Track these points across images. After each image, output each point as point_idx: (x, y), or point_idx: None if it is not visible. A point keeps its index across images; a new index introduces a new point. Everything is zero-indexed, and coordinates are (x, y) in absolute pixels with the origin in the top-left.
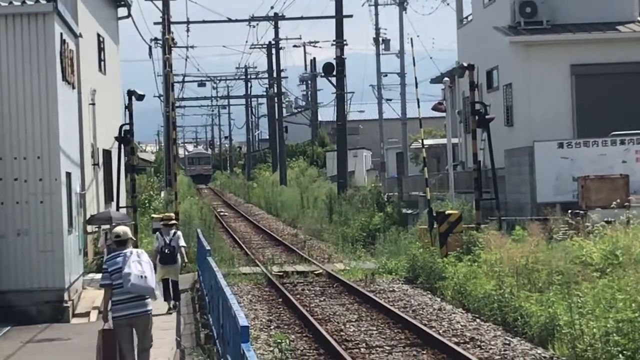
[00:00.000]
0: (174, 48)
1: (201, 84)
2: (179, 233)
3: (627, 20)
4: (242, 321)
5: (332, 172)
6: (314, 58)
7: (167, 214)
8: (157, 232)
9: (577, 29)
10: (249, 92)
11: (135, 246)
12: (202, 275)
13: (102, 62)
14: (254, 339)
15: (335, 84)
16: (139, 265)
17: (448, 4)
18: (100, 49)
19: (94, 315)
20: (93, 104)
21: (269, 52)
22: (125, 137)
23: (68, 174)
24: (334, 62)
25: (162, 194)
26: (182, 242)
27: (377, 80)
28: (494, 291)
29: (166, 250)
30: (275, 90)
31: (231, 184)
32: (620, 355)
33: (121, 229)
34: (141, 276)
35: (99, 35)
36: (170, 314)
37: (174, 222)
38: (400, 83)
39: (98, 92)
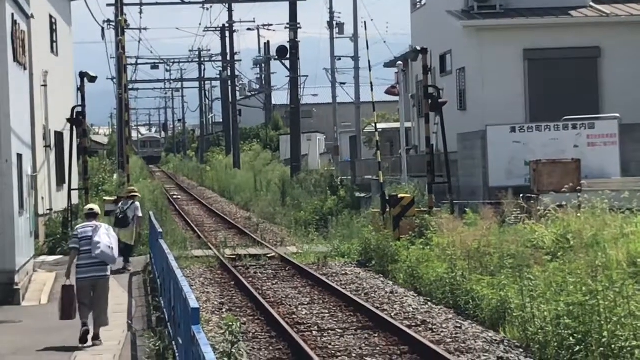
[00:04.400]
0: (127, 30)
1: (154, 67)
2: (137, 204)
3: (580, 5)
4: (193, 303)
5: (286, 155)
6: (268, 41)
7: (129, 187)
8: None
9: (530, 13)
10: (202, 75)
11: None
12: (154, 258)
13: (55, 44)
14: (205, 322)
15: (289, 68)
16: (108, 237)
17: None
18: (53, 30)
19: (44, 297)
20: (45, 86)
21: (223, 35)
22: (77, 119)
23: (19, 156)
24: (287, 45)
25: (115, 176)
26: (138, 213)
27: (331, 64)
28: (446, 274)
29: (120, 215)
30: (229, 73)
31: (184, 167)
32: (571, 338)
33: (92, 204)
34: (109, 246)
35: (51, 17)
36: (123, 272)
37: (134, 194)
38: (354, 67)
39: (50, 74)
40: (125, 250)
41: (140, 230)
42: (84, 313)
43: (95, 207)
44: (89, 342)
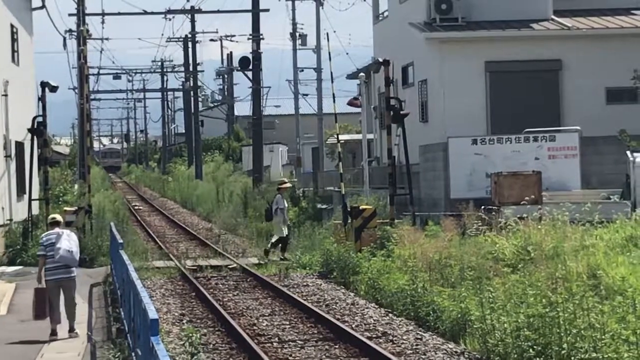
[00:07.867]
0: (89, 40)
1: (116, 77)
2: (278, 196)
3: (541, 18)
4: (152, 314)
5: (248, 166)
6: (231, 52)
7: (280, 179)
8: None
9: (492, 26)
10: (164, 86)
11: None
12: (114, 269)
13: (16, 53)
14: (165, 333)
15: (251, 79)
16: (68, 242)
17: (365, 0)
18: (14, 40)
19: (4, 308)
20: (5, 95)
21: (185, 45)
22: (38, 129)
23: None
24: (250, 56)
25: (76, 186)
26: (279, 205)
27: (293, 75)
28: (407, 286)
29: (269, 208)
30: (192, 84)
31: (146, 177)
32: (531, 350)
33: (55, 213)
34: (69, 250)
35: (12, 26)
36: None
37: (279, 186)
38: (317, 78)
39: (11, 84)
40: (282, 243)
41: (286, 220)
42: (54, 316)
43: (57, 216)
44: (66, 335)
